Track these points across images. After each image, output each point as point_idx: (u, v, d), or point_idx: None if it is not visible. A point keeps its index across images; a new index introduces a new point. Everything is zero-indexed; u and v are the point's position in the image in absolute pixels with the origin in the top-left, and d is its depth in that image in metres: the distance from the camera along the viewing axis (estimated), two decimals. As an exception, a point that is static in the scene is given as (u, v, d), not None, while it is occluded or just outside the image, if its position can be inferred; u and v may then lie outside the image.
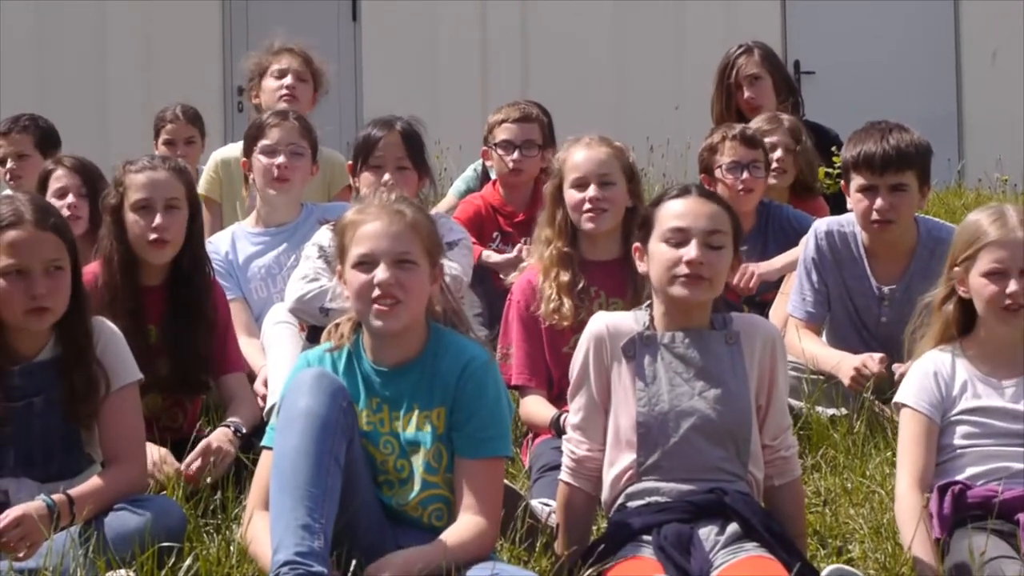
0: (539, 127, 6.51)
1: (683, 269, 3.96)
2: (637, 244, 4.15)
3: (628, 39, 13.16)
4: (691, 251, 3.97)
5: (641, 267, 4.14)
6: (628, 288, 4.90)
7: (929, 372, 4.22)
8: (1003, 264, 4.15)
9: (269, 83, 6.81)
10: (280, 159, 5.80)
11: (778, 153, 6.44)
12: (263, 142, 5.85)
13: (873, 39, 13.05)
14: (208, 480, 4.54)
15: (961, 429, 4.15)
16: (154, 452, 4.52)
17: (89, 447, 4.26)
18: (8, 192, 5.29)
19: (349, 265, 3.93)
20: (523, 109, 6.58)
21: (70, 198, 5.78)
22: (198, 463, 4.56)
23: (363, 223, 3.93)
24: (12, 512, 3.86)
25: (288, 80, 6.76)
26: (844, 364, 5.21)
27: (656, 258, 4.03)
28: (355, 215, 3.99)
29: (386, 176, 5.45)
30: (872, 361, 5.14)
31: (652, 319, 4.07)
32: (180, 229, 4.93)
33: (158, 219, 4.87)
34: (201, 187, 6.70)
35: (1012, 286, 4.13)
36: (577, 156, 5.08)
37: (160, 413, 4.85)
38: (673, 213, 4.04)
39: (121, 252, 4.88)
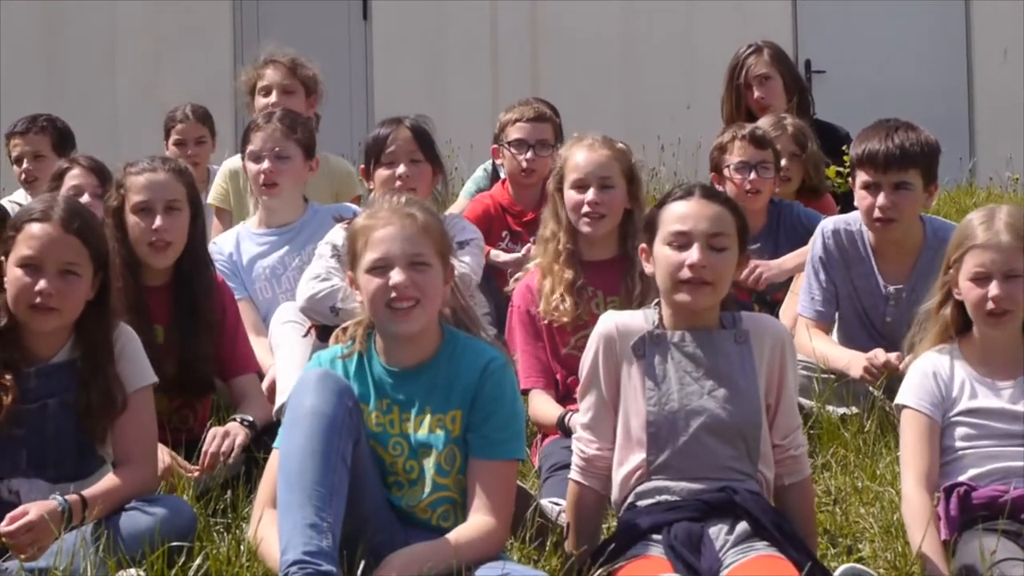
0: (552, 127, 6.51)
1: (686, 273, 3.97)
2: (643, 245, 4.16)
3: (639, 38, 13.16)
4: (693, 255, 3.97)
5: (647, 268, 4.14)
6: (623, 287, 4.91)
7: (928, 372, 4.22)
8: (985, 268, 4.14)
9: (258, 101, 6.78)
10: (264, 164, 5.79)
11: (782, 161, 6.42)
12: (249, 148, 5.86)
13: (884, 38, 13.05)
14: (220, 479, 4.55)
15: (960, 431, 4.15)
16: (165, 457, 4.53)
17: (101, 449, 4.27)
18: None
19: (363, 270, 3.94)
20: (537, 109, 6.57)
21: (85, 198, 5.77)
22: (213, 447, 4.59)
23: (375, 228, 3.94)
24: (27, 516, 3.87)
25: (273, 98, 6.71)
26: (855, 362, 5.21)
27: (660, 262, 4.04)
28: (366, 220, 3.99)
29: (401, 168, 5.46)
30: (882, 353, 5.14)
31: (661, 318, 4.08)
32: (181, 231, 4.93)
33: (158, 221, 4.89)
34: (211, 198, 6.71)
35: (994, 290, 4.12)
36: (579, 157, 5.08)
37: (171, 414, 4.85)
38: (676, 216, 4.04)
39: (123, 254, 4.88)
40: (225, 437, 4.65)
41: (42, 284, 4.09)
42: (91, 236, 4.20)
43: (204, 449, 4.62)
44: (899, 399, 4.24)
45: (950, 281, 4.25)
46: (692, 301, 3.99)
